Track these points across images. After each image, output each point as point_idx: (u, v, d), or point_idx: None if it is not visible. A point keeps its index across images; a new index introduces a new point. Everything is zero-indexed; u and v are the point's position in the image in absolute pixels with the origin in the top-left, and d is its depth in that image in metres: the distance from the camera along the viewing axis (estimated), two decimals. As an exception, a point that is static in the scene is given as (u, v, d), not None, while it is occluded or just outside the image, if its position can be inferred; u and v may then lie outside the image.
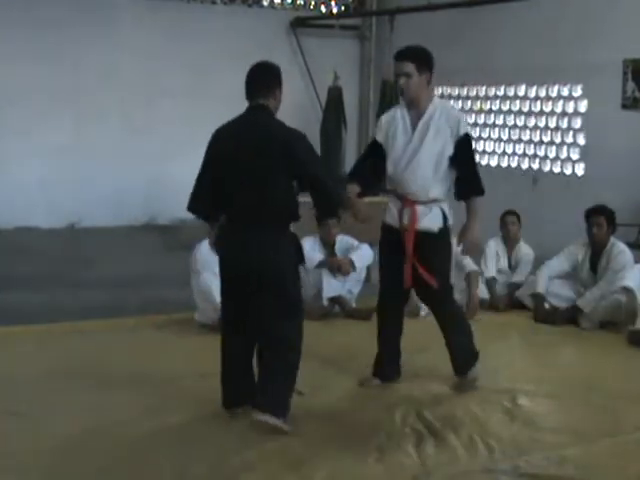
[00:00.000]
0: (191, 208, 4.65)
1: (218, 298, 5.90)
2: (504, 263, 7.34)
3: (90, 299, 7.13)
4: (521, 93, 10.03)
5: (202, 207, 4.62)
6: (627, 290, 6.19)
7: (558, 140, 9.55)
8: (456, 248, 6.58)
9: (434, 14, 10.05)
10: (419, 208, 4.79)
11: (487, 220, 7.44)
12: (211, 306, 6.05)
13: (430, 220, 4.81)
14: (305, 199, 7.64)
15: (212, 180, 4.51)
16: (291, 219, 4.47)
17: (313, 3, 12.58)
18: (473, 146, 5.02)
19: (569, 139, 9.41)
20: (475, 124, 10.76)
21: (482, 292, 7.06)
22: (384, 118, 5.01)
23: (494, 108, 10.46)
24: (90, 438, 4.20)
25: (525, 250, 7.34)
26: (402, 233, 4.81)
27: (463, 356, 5.01)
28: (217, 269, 6.14)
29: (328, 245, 6.90)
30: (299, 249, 4.53)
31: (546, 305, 6.77)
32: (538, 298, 6.77)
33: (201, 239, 6.44)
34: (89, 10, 10.87)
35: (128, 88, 11.17)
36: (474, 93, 10.78)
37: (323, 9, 12.68)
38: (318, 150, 10.75)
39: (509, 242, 7.35)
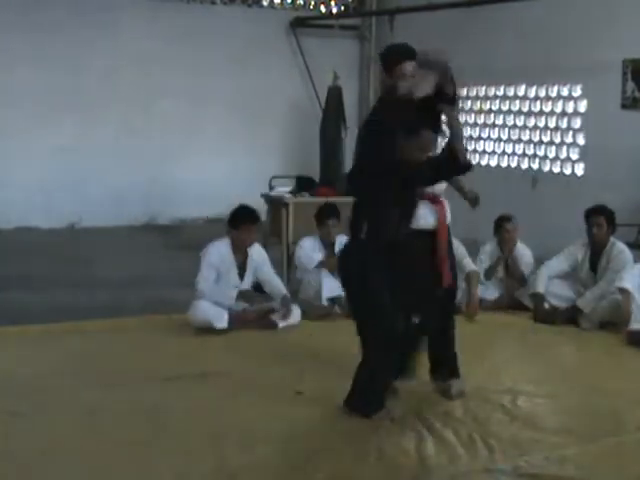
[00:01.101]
0: None
1: (217, 324, 6.04)
2: (501, 271, 7.26)
3: (90, 299, 7.13)
4: (521, 93, 10.04)
5: None
6: (623, 291, 6.19)
7: (558, 140, 9.55)
8: (457, 247, 6.57)
9: (434, 14, 10.06)
10: (444, 202, 4.75)
11: (487, 221, 7.48)
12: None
13: (449, 213, 4.77)
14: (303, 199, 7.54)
15: None
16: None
17: (313, 3, 12.59)
18: None
19: (569, 139, 9.42)
20: (475, 124, 10.77)
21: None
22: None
23: (494, 108, 10.47)
24: (90, 438, 4.19)
25: (522, 251, 7.24)
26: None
27: (456, 358, 4.98)
28: (217, 272, 6.22)
29: (328, 245, 6.90)
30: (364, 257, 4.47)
31: (546, 305, 6.77)
32: (538, 298, 6.76)
33: (208, 240, 6.46)
34: (89, 12, 10.89)
35: (128, 89, 11.19)
36: (474, 93, 10.78)
37: (323, 9, 12.69)
38: (317, 150, 10.80)
39: (506, 247, 7.22)
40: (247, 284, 6.41)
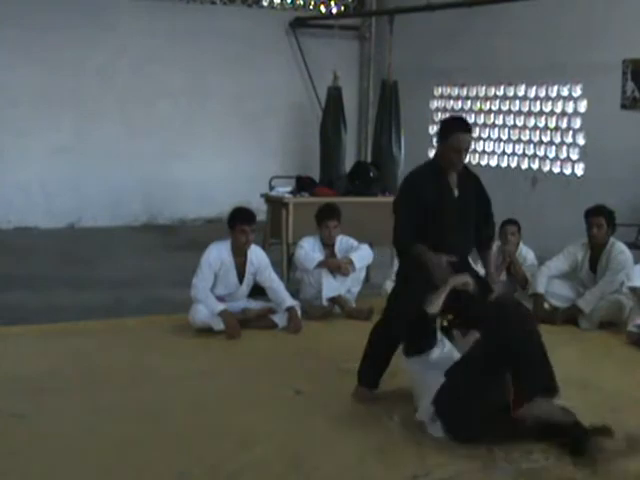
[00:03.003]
0: None
1: (216, 327, 6.04)
2: (503, 275, 7.24)
3: (90, 299, 7.13)
4: (521, 93, 10.04)
5: None
6: (635, 290, 6.19)
7: (558, 140, 9.56)
8: None
9: (433, 14, 10.05)
10: None
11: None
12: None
13: None
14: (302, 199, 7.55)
15: None
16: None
17: (313, 3, 12.59)
18: None
19: (569, 139, 9.42)
20: (475, 124, 10.77)
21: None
22: None
23: (494, 108, 10.47)
24: (90, 438, 4.19)
25: (525, 254, 7.21)
26: None
27: None
28: (216, 273, 6.19)
29: (328, 245, 6.90)
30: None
31: (546, 305, 6.77)
32: (538, 298, 6.76)
33: (208, 240, 6.46)
34: (89, 12, 10.89)
35: (127, 89, 11.19)
36: (474, 93, 10.79)
37: (323, 9, 12.69)
38: (317, 150, 10.82)
39: (507, 251, 7.18)
40: (246, 287, 6.41)
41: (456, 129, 4.64)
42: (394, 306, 4.80)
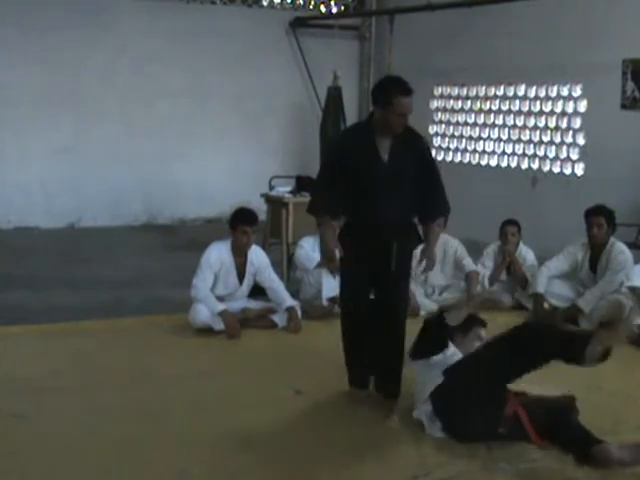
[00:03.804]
0: None
1: (216, 327, 6.04)
2: (503, 274, 7.25)
3: (90, 299, 7.13)
4: (521, 93, 10.03)
5: None
6: (634, 289, 6.19)
7: (558, 140, 9.55)
8: (457, 247, 6.56)
9: (433, 14, 10.05)
10: None
11: (486, 220, 7.47)
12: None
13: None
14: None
15: None
16: None
17: (313, 3, 12.58)
18: None
19: (569, 139, 9.41)
20: (475, 124, 10.77)
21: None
22: None
23: (494, 108, 10.46)
24: (90, 438, 4.20)
25: (525, 254, 7.22)
26: None
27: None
28: (216, 274, 6.19)
29: (328, 245, 6.89)
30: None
31: (546, 305, 6.77)
32: (538, 298, 6.76)
33: (208, 240, 6.46)
34: (89, 12, 10.89)
35: (128, 89, 11.19)
36: (474, 93, 10.78)
37: (323, 9, 12.69)
38: (317, 150, 10.82)
39: (507, 251, 7.20)
40: (246, 287, 6.41)
41: (399, 92, 4.40)
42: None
